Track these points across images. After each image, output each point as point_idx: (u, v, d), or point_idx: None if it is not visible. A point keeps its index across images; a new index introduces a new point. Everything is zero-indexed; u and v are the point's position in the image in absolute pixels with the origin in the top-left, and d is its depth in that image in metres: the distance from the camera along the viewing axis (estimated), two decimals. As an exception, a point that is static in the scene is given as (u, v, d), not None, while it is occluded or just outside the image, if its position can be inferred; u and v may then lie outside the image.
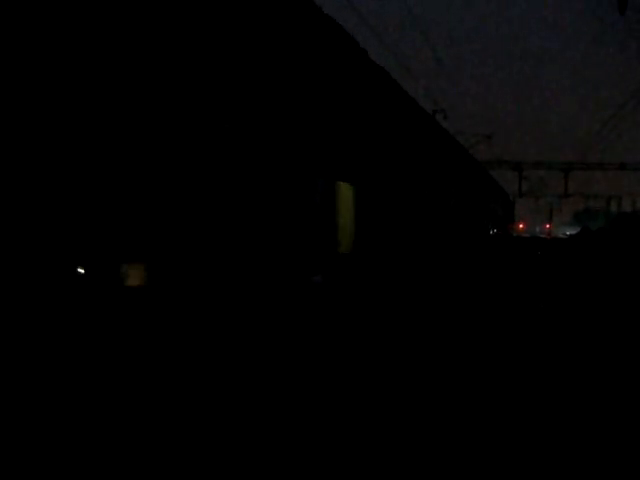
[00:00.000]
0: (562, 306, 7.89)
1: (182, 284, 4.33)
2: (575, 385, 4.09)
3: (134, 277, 3.86)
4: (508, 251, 22.04)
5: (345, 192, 7.31)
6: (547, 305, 7.98)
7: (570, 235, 49.17)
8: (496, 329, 6.11)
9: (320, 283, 7.34)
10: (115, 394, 3.39)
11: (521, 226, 77.85)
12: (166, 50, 3.88)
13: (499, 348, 5.21)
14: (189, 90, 4.08)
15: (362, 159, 7.75)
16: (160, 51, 3.78)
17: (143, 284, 3.88)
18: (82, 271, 3.37)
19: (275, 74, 5.46)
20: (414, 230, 10.86)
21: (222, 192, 4.60)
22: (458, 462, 2.76)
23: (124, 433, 2.85)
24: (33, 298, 2.97)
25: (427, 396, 3.76)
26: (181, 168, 4.17)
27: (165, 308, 4.21)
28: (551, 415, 3.45)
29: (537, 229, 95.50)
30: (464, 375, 4.28)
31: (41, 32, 2.80)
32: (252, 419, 3.17)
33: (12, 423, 2.81)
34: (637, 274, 12.79)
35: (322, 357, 4.67)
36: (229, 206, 4.78)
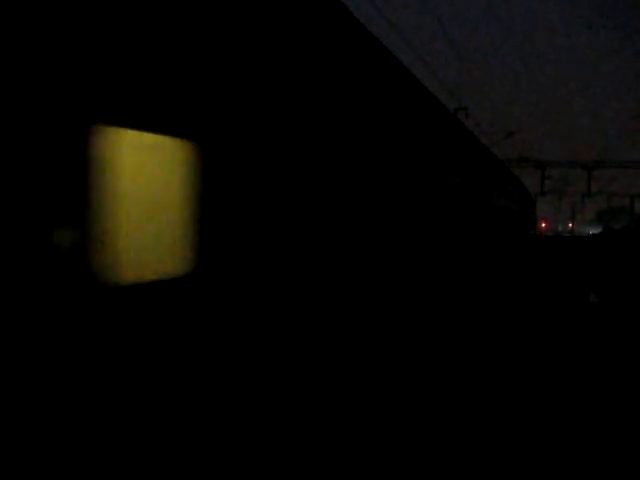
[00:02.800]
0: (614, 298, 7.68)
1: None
2: None
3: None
4: (532, 250, 21.99)
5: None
6: (600, 297, 7.80)
7: (593, 234, 48.59)
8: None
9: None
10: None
11: (543, 225, 77.15)
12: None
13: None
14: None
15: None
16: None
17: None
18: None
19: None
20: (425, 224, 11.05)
21: None
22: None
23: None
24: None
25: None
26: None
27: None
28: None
29: (560, 228, 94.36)
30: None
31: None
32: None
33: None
34: None
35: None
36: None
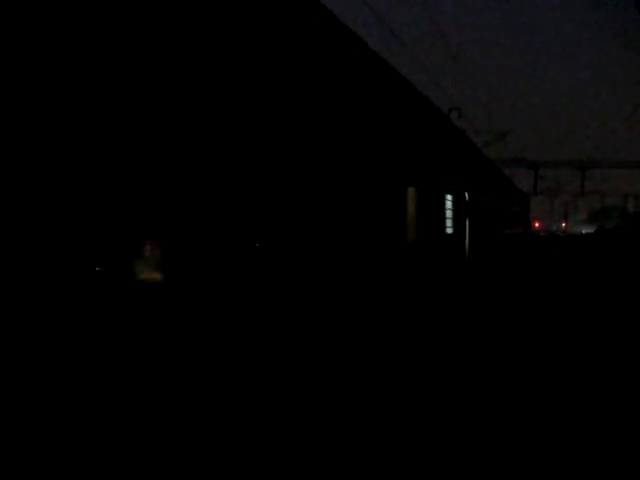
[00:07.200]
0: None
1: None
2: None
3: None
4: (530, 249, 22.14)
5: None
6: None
7: (586, 233, 49.00)
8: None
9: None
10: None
11: (537, 225, 77.48)
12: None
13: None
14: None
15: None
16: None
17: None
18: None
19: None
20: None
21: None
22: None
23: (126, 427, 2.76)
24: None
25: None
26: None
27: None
28: None
29: (554, 227, 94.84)
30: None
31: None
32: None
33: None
34: None
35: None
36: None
